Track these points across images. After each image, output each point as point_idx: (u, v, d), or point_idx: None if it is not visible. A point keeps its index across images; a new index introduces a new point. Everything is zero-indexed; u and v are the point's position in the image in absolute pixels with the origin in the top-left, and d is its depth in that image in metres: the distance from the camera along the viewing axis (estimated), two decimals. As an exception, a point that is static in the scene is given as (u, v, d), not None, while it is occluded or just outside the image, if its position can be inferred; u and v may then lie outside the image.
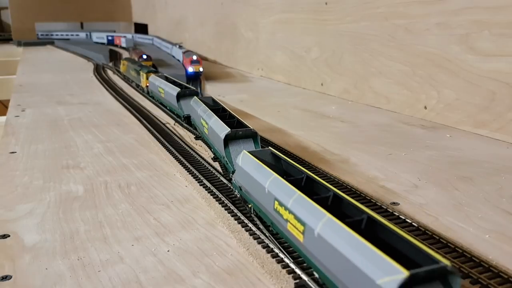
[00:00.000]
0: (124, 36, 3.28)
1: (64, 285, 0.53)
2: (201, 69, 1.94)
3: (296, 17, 1.89)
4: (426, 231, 0.63)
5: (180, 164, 0.92)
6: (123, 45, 3.17)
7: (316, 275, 0.47)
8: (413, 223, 0.66)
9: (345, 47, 1.62)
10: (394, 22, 1.38)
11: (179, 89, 1.23)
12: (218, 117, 0.85)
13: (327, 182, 0.55)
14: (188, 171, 0.88)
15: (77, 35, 4.15)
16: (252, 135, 0.79)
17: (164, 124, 1.25)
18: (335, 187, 0.54)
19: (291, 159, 0.63)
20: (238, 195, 0.69)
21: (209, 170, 0.88)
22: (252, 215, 0.65)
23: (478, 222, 0.68)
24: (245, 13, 2.33)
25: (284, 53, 2.01)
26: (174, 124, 1.25)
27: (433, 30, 1.25)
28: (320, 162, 0.94)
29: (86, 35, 4.07)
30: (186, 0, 3.15)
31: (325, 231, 0.42)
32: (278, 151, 0.67)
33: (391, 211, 0.70)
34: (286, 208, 0.50)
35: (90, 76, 2.24)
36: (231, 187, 0.73)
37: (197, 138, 1.07)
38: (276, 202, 0.53)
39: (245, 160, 0.63)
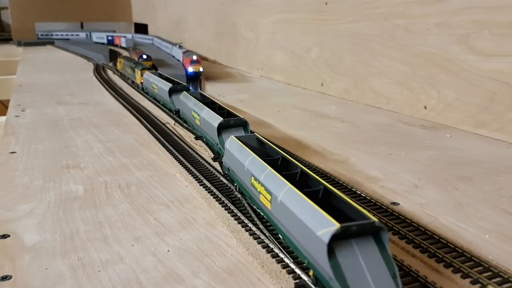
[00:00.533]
0: (124, 36, 3.28)
1: (64, 285, 0.53)
2: (201, 69, 1.94)
3: (296, 17, 1.89)
4: (426, 231, 0.63)
5: (180, 164, 0.92)
6: (123, 45, 3.17)
7: (281, 237, 0.56)
8: (413, 223, 0.66)
9: (345, 47, 1.62)
10: (394, 22, 1.38)
11: (171, 85, 1.31)
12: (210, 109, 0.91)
13: (318, 175, 0.57)
14: (188, 171, 0.88)
15: (77, 35, 4.15)
16: (242, 124, 0.86)
17: (164, 124, 1.25)
18: (330, 184, 0.56)
19: (274, 145, 0.70)
20: (227, 176, 0.77)
21: (209, 170, 0.88)
22: (237, 192, 0.73)
23: (478, 222, 0.68)
24: (245, 13, 2.33)
25: (284, 53, 2.02)
26: (174, 124, 1.25)
27: (433, 30, 1.25)
28: (320, 162, 0.94)
29: (86, 35, 4.07)
30: (186, 0, 3.15)
31: (286, 198, 0.51)
32: (281, 150, 0.69)
33: (391, 211, 0.70)
34: (259, 182, 0.58)
35: (90, 76, 2.24)
36: (222, 169, 0.82)
37: (197, 138, 1.07)
38: (252, 178, 0.60)
39: (232, 144, 0.71)
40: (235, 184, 0.72)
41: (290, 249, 0.56)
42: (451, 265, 0.55)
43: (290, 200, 0.50)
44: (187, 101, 1.09)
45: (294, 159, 0.79)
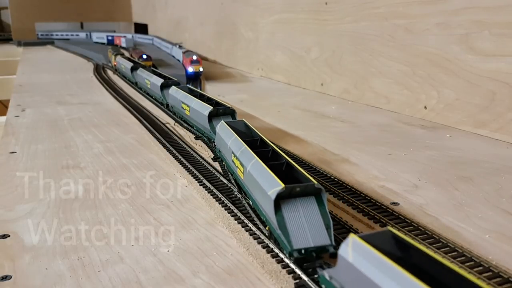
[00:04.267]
0: (124, 36, 3.28)
1: (64, 285, 0.53)
2: (201, 69, 1.94)
3: (296, 17, 1.89)
4: (426, 231, 0.63)
5: (180, 164, 0.92)
6: (123, 45, 3.17)
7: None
8: (413, 223, 0.66)
9: (345, 47, 1.62)
10: (394, 22, 1.38)
11: (132, 64, 1.72)
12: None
13: (323, 179, 0.57)
14: (188, 171, 0.88)
15: (77, 35, 4.15)
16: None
17: (164, 124, 1.25)
18: (335, 187, 0.55)
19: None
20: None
21: (209, 170, 0.88)
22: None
23: (478, 222, 0.68)
24: (245, 13, 2.33)
25: (284, 53, 2.01)
26: (174, 124, 1.25)
27: (433, 30, 1.25)
28: (320, 162, 0.94)
29: (86, 35, 4.06)
30: (186, 0, 3.15)
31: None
32: (282, 151, 0.70)
33: (391, 211, 0.70)
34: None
35: (90, 76, 2.24)
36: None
37: (197, 138, 1.07)
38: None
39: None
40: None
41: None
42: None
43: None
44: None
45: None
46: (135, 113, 1.39)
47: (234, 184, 0.76)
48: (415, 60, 1.32)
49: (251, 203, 0.65)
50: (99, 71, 2.35)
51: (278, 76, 2.08)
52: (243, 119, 0.84)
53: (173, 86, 1.24)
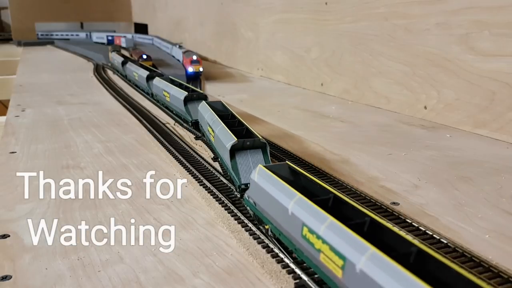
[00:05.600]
0: (124, 36, 3.28)
1: (64, 285, 0.53)
2: (201, 69, 1.94)
3: (296, 17, 1.89)
4: (426, 231, 0.63)
5: (180, 164, 0.92)
6: (123, 45, 3.16)
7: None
8: (413, 223, 0.66)
9: (345, 47, 1.62)
10: (394, 22, 1.38)
11: (122, 58, 1.95)
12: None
13: (328, 184, 0.55)
14: (188, 171, 0.88)
15: (77, 35, 4.14)
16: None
17: (164, 124, 1.25)
18: (335, 187, 0.54)
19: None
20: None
21: (209, 170, 0.88)
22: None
23: (478, 222, 0.68)
24: (245, 13, 2.33)
25: (284, 53, 2.01)
26: (174, 124, 1.25)
27: (433, 30, 1.25)
28: (320, 162, 0.94)
29: (86, 35, 4.06)
30: (186, 0, 3.15)
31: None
32: (282, 154, 0.69)
33: (391, 211, 0.70)
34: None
35: (90, 76, 2.23)
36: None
37: (197, 138, 1.07)
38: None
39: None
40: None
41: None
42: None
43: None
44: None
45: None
46: (135, 113, 1.39)
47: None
48: (415, 60, 1.32)
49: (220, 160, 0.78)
50: (99, 71, 2.35)
51: (278, 76, 2.08)
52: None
53: (156, 77, 1.43)
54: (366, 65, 1.52)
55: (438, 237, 0.61)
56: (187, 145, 1.04)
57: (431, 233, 0.63)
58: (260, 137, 0.77)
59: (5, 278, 0.55)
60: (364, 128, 1.25)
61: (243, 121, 0.87)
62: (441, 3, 1.21)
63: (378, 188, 0.81)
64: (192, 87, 1.24)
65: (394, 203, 0.75)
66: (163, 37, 3.28)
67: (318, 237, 0.45)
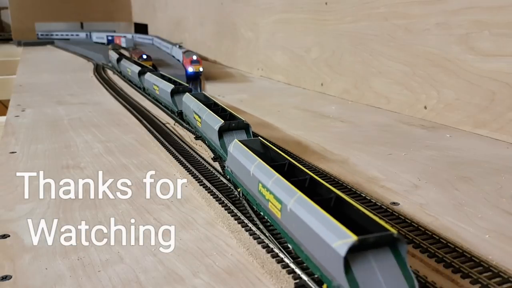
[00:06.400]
0: (124, 36, 3.28)
1: (64, 285, 0.53)
2: (201, 69, 1.94)
3: (296, 17, 1.89)
4: (426, 231, 0.63)
5: (180, 164, 0.92)
6: (123, 45, 3.16)
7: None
8: (413, 223, 0.66)
9: (345, 47, 1.62)
10: (394, 22, 1.38)
11: (117, 56, 2.09)
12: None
13: (327, 182, 0.56)
14: (188, 171, 0.88)
15: (77, 35, 4.14)
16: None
17: (164, 124, 1.25)
18: (335, 187, 0.55)
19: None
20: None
21: (209, 170, 0.88)
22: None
23: (478, 222, 0.68)
24: (245, 13, 2.33)
25: (284, 53, 2.01)
26: (174, 124, 1.25)
27: (433, 30, 1.25)
28: (320, 162, 0.94)
29: (86, 35, 4.06)
30: (186, 0, 3.15)
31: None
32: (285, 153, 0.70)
33: (391, 211, 0.70)
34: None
35: (90, 76, 2.23)
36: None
37: (197, 138, 1.07)
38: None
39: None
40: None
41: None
42: (451, 265, 0.55)
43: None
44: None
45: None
46: (135, 113, 1.39)
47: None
48: (415, 60, 1.32)
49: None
50: (99, 71, 2.35)
51: (278, 76, 2.08)
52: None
53: (147, 73, 1.57)
54: (366, 65, 1.52)
55: (438, 237, 0.61)
56: (187, 145, 1.04)
57: (431, 233, 0.63)
58: (243, 120, 0.87)
59: (5, 278, 0.55)
60: (364, 128, 1.25)
61: (226, 108, 0.97)
62: (441, 3, 1.21)
63: (378, 188, 0.81)
64: (180, 81, 1.36)
65: (394, 203, 0.75)
66: (163, 37, 3.28)
67: (267, 189, 0.56)
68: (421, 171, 0.89)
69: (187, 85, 1.30)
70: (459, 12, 1.16)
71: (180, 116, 1.23)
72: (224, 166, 0.77)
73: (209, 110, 0.94)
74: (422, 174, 0.87)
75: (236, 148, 0.70)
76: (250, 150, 0.66)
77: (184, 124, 1.20)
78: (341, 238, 0.41)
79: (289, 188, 0.52)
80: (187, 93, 1.13)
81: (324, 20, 1.71)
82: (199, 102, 1.02)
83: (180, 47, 2.40)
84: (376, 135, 1.17)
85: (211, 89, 1.88)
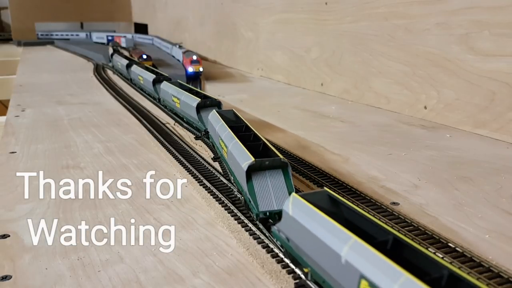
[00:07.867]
0: (124, 36, 3.28)
1: (64, 285, 0.53)
2: (201, 69, 1.94)
3: (296, 17, 1.89)
4: (426, 231, 0.63)
5: (180, 164, 0.92)
6: (123, 45, 3.16)
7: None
8: (413, 223, 0.66)
9: (345, 47, 1.62)
10: (394, 22, 1.38)
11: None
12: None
13: (327, 181, 0.56)
14: (188, 171, 0.88)
15: (77, 35, 4.14)
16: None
17: (164, 124, 1.25)
18: (335, 187, 0.54)
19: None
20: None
21: (209, 170, 0.88)
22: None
23: (478, 222, 0.68)
24: (245, 13, 2.33)
25: (284, 53, 2.01)
26: (174, 124, 1.25)
27: (433, 30, 1.25)
28: (320, 162, 0.94)
29: (86, 35, 4.06)
30: (186, 0, 3.15)
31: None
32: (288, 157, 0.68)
33: (391, 211, 0.70)
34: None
35: (90, 76, 2.23)
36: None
37: (197, 138, 1.07)
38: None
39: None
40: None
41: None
42: (451, 265, 0.55)
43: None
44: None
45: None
46: (135, 113, 1.39)
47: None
48: (415, 60, 1.32)
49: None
50: (99, 71, 2.35)
51: (278, 76, 2.08)
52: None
53: (134, 65, 1.73)
54: (366, 65, 1.52)
55: (438, 237, 0.61)
56: (187, 145, 1.04)
57: (431, 233, 0.63)
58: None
59: (5, 278, 0.55)
60: (364, 128, 1.25)
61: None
62: (441, 3, 1.21)
63: (378, 188, 0.81)
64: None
65: (394, 203, 0.75)
66: (163, 37, 3.28)
67: (222, 140, 0.59)
68: (421, 171, 0.89)
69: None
70: (459, 12, 1.16)
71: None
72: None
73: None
74: (422, 174, 0.87)
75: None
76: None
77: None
78: (246, 160, 0.63)
79: (231, 137, 0.74)
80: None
81: (324, 20, 1.71)
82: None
83: (180, 47, 2.40)
84: (376, 135, 1.17)
85: (211, 89, 1.88)
